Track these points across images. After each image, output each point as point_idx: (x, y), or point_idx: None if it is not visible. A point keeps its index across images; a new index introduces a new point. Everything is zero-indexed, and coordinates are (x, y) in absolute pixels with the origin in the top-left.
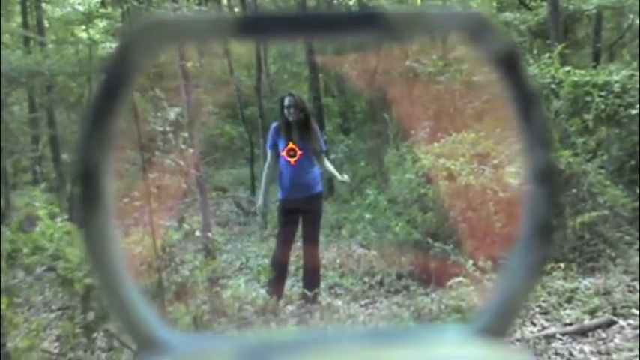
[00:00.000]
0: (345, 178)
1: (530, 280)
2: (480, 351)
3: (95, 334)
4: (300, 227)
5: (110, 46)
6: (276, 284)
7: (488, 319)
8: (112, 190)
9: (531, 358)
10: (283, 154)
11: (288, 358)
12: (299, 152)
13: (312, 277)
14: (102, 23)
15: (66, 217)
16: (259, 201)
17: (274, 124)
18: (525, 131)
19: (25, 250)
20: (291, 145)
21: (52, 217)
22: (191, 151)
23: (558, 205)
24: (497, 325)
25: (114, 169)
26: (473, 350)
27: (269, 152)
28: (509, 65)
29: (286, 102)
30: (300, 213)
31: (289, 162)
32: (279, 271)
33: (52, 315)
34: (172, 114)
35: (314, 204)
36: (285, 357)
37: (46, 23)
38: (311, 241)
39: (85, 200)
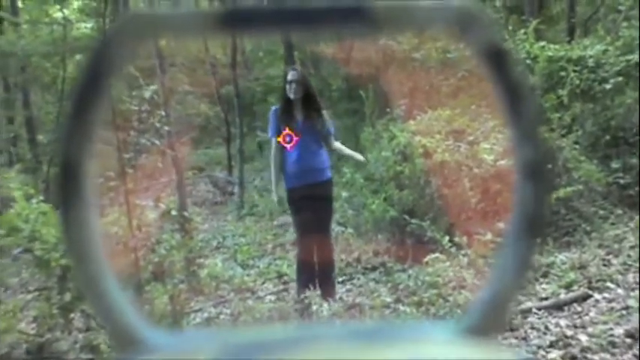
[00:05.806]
0: (361, 157)
1: (519, 277)
2: (466, 351)
3: (72, 315)
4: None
5: (85, 26)
6: (304, 287)
7: (476, 318)
8: (93, 184)
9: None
10: (279, 139)
11: (272, 357)
12: (295, 138)
13: (325, 276)
14: (77, 3)
15: (41, 198)
16: (274, 196)
17: (274, 108)
18: (514, 126)
19: (1, 232)
20: (288, 130)
21: (28, 198)
22: (167, 129)
23: (548, 201)
24: (486, 324)
25: (95, 164)
26: (459, 350)
27: (273, 140)
28: (498, 59)
29: (289, 77)
30: (309, 201)
31: (285, 147)
32: (307, 274)
33: (29, 296)
34: (148, 93)
35: (322, 191)
36: (268, 355)
37: (19, 3)
38: (320, 233)
39: (65, 195)
